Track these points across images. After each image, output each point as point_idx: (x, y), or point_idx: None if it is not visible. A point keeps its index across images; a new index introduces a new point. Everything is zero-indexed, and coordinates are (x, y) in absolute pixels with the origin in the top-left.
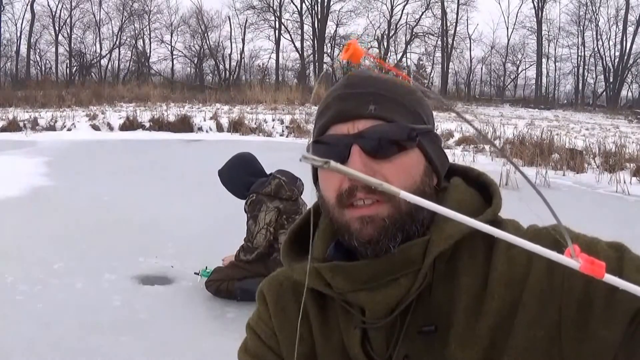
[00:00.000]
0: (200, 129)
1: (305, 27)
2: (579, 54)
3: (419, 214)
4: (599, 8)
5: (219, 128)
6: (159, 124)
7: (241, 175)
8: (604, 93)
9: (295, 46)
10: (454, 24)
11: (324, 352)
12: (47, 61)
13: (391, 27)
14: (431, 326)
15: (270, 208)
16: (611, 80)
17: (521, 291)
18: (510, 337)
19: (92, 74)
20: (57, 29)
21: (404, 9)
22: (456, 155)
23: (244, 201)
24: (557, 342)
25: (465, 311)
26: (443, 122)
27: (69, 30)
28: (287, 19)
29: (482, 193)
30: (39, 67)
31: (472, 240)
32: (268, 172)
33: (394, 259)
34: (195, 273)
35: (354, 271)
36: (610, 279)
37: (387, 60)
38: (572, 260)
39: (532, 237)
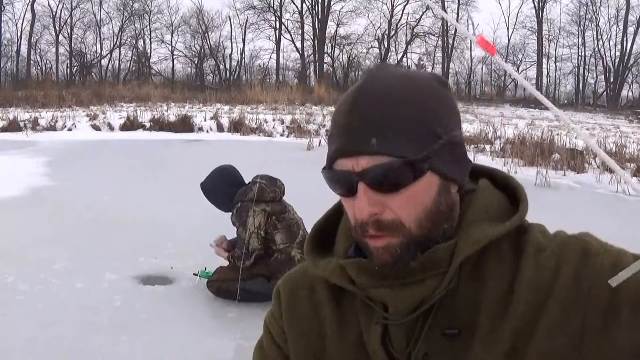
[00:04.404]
0: (200, 129)
1: (306, 27)
2: (580, 54)
3: (436, 230)
4: (599, 8)
5: (220, 128)
6: (159, 124)
7: (222, 187)
8: (605, 93)
9: (295, 46)
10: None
11: (338, 348)
12: (48, 61)
13: (392, 27)
14: (455, 329)
15: (257, 212)
16: (612, 80)
17: (547, 297)
18: (531, 342)
19: (93, 74)
20: (57, 29)
21: (404, 9)
22: None
23: (229, 213)
24: (579, 350)
25: (490, 314)
26: None
27: (69, 30)
28: (287, 19)
29: (509, 196)
30: (39, 67)
31: (499, 245)
32: (268, 177)
33: (416, 266)
34: (194, 274)
35: (379, 270)
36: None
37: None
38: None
39: (559, 243)
